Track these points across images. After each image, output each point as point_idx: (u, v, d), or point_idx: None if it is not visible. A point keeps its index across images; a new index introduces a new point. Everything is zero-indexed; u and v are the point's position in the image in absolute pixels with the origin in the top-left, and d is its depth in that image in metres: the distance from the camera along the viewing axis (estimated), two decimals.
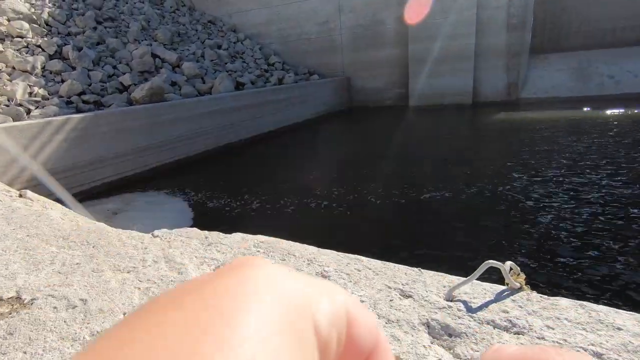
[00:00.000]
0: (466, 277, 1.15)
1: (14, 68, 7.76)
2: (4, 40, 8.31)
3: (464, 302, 1.11)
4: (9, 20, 8.80)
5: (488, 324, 1.02)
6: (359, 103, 15.95)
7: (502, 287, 1.16)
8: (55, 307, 1.28)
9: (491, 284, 1.19)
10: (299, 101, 12.58)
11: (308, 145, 10.37)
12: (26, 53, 8.32)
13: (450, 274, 1.28)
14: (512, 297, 1.11)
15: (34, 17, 9.39)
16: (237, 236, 1.71)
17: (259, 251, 1.55)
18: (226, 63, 13.10)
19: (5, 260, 1.63)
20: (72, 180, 6.21)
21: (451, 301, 1.13)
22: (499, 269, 1.09)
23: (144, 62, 9.79)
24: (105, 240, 1.79)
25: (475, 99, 13.57)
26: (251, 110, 10.16)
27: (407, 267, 1.35)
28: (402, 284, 1.24)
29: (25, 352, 1.08)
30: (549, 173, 5.86)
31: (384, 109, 14.93)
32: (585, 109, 11.05)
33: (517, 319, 1.02)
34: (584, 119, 9.92)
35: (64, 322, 1.21)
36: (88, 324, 1.19)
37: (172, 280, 1.40)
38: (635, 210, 4.28)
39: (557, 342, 0.93)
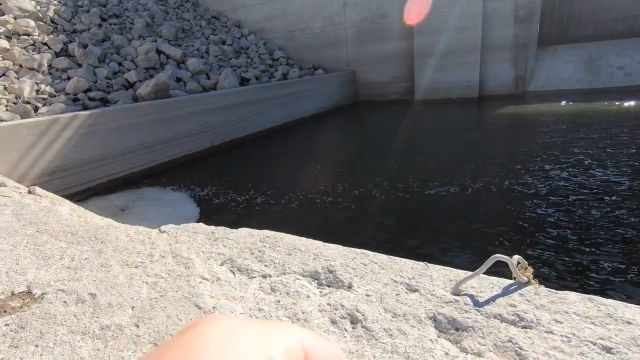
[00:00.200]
0: (473, 271, 1.15)
1: (21, 66, 7.83)
2: (11, 39, 8.37)
3: (471, 296, 1.11)
4: (15, 18, 8.86)
5: (495, 318, 1.02)
6: (364, 97, 15.85)
7: (510, 281, 1.15)
8: (65, 302, 1.30)
9: (498, 278, 1.18)
10: (304, 96, 12.52)
11: (313, 140, 10.35)
12: (33, 51, 8.38)
13: (457, 268, 1.27)
14: (519, 291, 1.10)
15: (40, 14, 9.44)
16: (244, 231, 1.72)
17: (265, 246, 1.56)
18: (230, 59, 13.09)
19: (15, 255, 1.66)
20: (79, 177, 6.29)
21: (458, 295, 1.13)
22: (507, 263, 1.09)
23: (149, 58, 9.81)
24: (113, 235, 1.81)
25: (481, 93, 13.40)
26: (256, 106, 10.16)
27: (413, 261, 1.35)
28: (409, 278, 1.24)
29: (36, 346, 1.10)
30: (557, 166, 5.79)
31: (390, 103, 14.83)
32: (596, 102, 10.86)
33: (524, 312, 1.01)
34: (596, 112, 9.77)
35: (74, 316, 1.23)
36: (97, 317, 1.21)
37: (179, 275, 1.41)
38: None
39: (565, 335, 0.92)
